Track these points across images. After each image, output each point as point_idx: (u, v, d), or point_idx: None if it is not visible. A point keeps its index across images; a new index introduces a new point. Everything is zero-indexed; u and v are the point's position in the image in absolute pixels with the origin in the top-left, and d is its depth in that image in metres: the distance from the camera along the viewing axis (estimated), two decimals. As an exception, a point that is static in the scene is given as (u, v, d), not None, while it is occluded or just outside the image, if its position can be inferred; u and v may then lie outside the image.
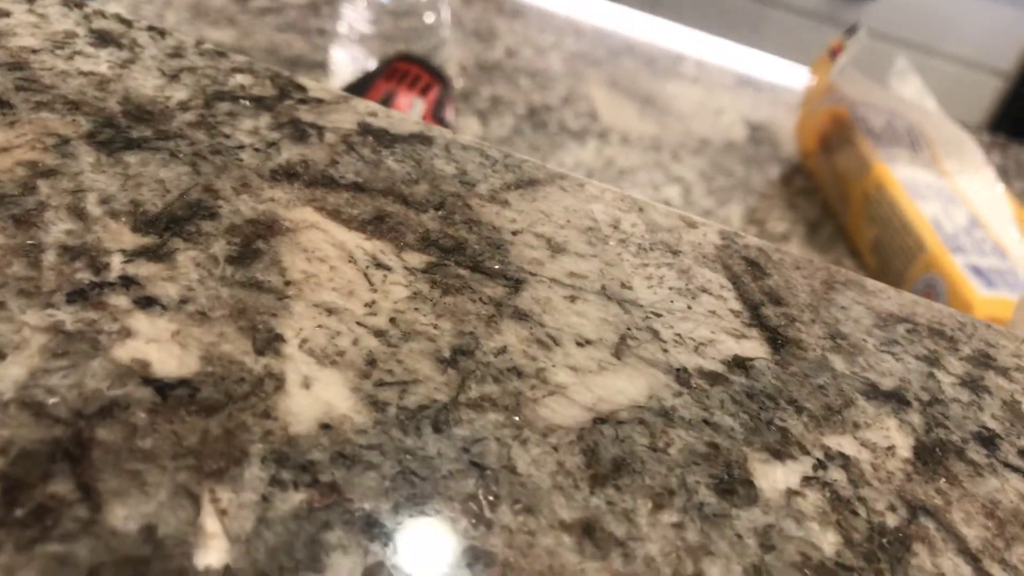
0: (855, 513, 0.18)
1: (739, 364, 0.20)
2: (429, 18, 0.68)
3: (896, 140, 0.63)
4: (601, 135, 0.68)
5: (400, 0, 0.66)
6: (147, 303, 0.18)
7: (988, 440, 0.20)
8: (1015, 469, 0.19)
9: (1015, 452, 0.20)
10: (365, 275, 0.20)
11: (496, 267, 0.21)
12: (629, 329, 0.20)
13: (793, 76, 0.84)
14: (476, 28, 0.78)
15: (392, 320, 0.19)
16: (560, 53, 0.78)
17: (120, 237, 0.20)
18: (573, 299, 0.21)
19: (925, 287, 0.56)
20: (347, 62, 0.66)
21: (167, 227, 0.20)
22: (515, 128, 0.67)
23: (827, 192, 0.66)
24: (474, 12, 0.82)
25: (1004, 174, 0.73)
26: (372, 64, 0.60)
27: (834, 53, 0.64)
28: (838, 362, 0.21)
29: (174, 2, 0.73)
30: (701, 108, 0.75)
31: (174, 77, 0.26)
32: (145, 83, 0.25)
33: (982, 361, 0.22)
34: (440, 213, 0.23)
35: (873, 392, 0.20)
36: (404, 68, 0.56)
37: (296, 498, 0.16)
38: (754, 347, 0.21)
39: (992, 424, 0.20)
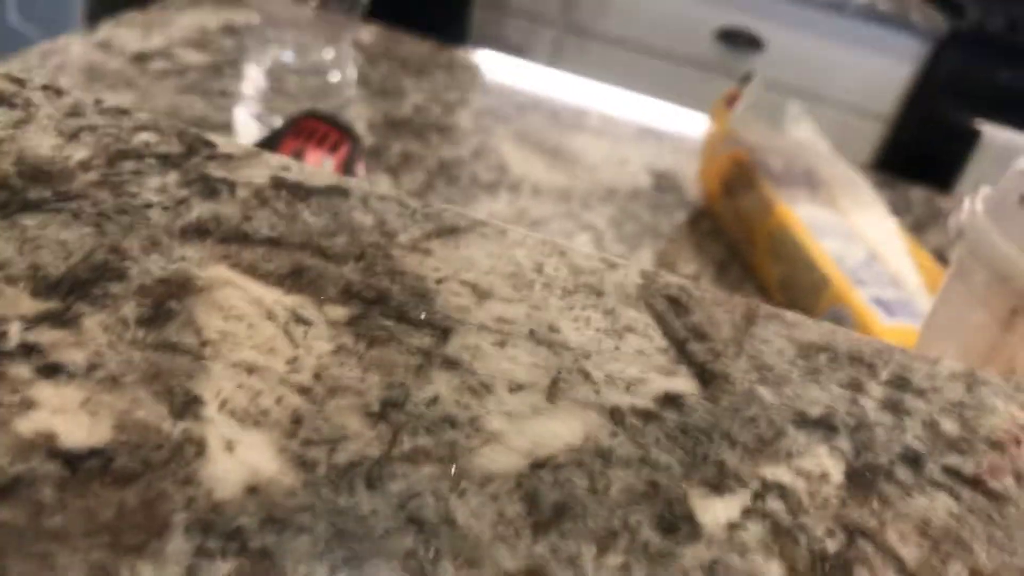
0: (796, 541, 0.18)
1: (670, 401, 0.20)
2: (335, 77, 0.68)
3: (795, 181, 0.66)
4: (512, 187, 0.69)
5: (305, 59, 0.66)
6: (51, 371, 0.17)
7: (913, 460, 0.20)
8: (941, 487, 0.20)
9: (939, 470, 0.20)
10: (286, 331, 0.20)
11: (422, 316, 0.21)
12: (560, 372, 0.20)
13: (692, 124, 0.87)
14: (383, 86, 0.79)
15: (317, 376, 0.19)
16: (468, 109, 0.79)
17: (19, 303, 0.19)
18: (502, 344, 0.21)
19: (833, 320, 0.58)
20: (252, 122, 0.65)
21: (71, 291, 0.19)
22: (427, 183, 0.67)
23: (733, 234, 0.68)
24: (380, 70, 0.82)
25: (893, 210, 0.77)
26: (278, 123, 0.59)
27: (731, 100, 0.66)
28: (766, 393, 0.21)
29: (67, 66, 0.71)
30: (607, 158, 0.77)
31: (73, 136, 0.25)
32: (41, 143, 0.24)
33: (900, 384, 0.23)
34: (361, 265, 0.22)
35: (802, 421, 0.21)
36: (312, 126, 0.56)
37: (225, 568, 0.15)
38: (683, 383, 0.21)
39: (916, 444, 0.21)
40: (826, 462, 0.20)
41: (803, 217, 0.63)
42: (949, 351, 0.37)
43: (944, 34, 1.72)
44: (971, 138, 1.74)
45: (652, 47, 1.84)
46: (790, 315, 0.24)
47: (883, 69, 1.78)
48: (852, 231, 0.63)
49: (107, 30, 0.76)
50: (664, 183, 0.76)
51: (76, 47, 0.73)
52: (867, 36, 1.75)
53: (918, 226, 0.81)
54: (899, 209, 0.81)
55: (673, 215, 0.71)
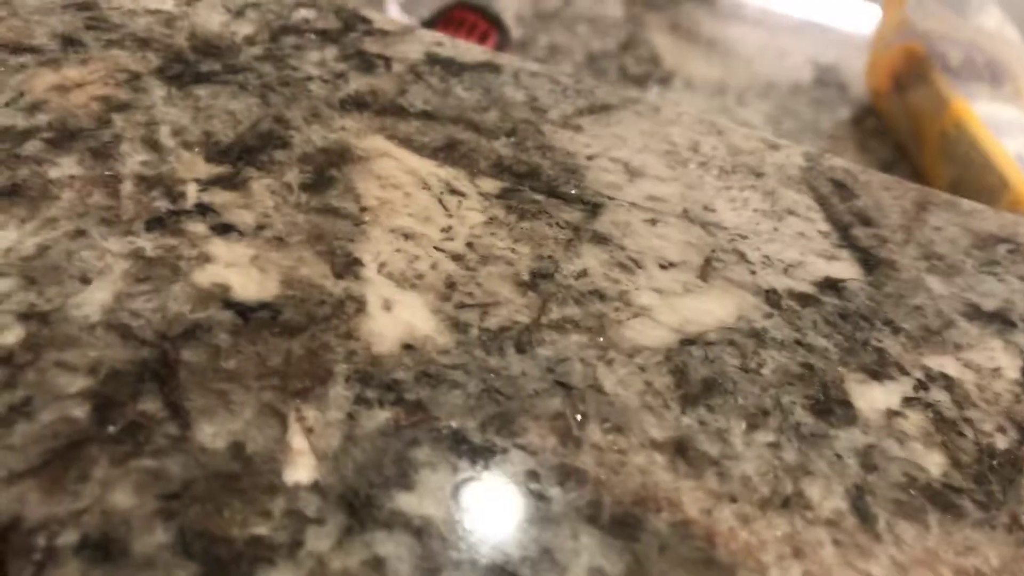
0: (961, 434, 0.17)
1: (831, 285, 0.19)
2: (484, -34, 0.67)
3: (976, 75, 0.60)
4: (663, 81, 0.66)
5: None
6: (224, 230, 0.18)
7: (1102, 361, 0.19)
8: None
9: None
10: (440, 201, 0.20)
11: (572, 192, 0.21)
12: (714, 251, 0.20)
13: (860, 16, 0.80)
14: (531, -24, 0.77)
15: (469, 244, 0.19)
16: (618, -1, 0.76)
17: (194, 167, 0.20)
18: (654, 222, 0.20)
19: (1008, 227, 0.54)
20: (402, 14, 0.65)
21: (240, 156, 0.20)
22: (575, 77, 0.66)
23: (901, 133, 0.63)
24: (529, -40, 0.80)
25: (1091, 110, 0.69)
26: (429, 13, 0.59)
27: (908, -15, 0.61)
28: (935, 283, 0.20)
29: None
30: (766, 50, 0.72)
31: (239, 13, 0.25)
32: (211, 19, 0.25)
33: (1092, 281, 0.21)
34: (512, 139, 0.22)
35: (975, 313, 0.19)
36: (461, 16, 0.55)
37: (382, 416, 0.15)
38: (845, 268, 0.20)
39: (1105, 344, 0.19)
40: (1000, 356, 0.18)
41: (983, 114, 0.57)
42: None
43: None
44: None
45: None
46: (967, 203, 0.23)
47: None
48: (1039, 130, 0.57)
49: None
50: (827, 78, 0.71)
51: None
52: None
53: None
54: (1097, 109, 0.73)
55: (836, 112, 0.67)
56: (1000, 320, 0.19)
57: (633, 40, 0.69)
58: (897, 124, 0.63)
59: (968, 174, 0.57)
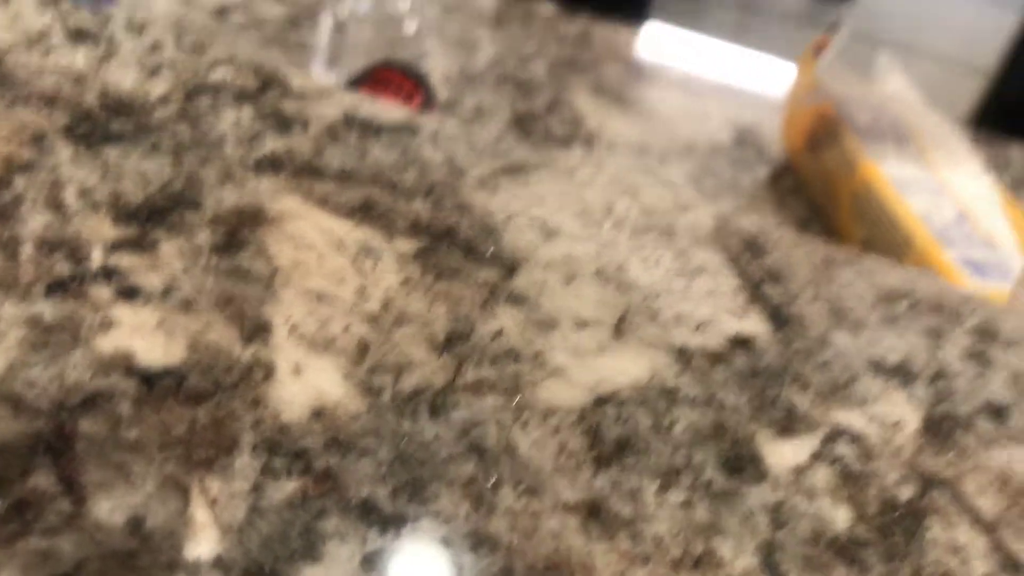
0: (866, 488, 0.17)
1: (741, 342, 0.20)
2: (410, 28, 0.68)
3: (882, 135, 0.63)
4: (587, 141, 0.68)
5: (381, 11, 0.66)
6: (130, 294, 0.18)
7: (996, 412, 0.19)
8: (1026, 440, 0.19)
9: (1025, 423, 0.19)
10: (355, 262, 0.20)
11: (489, 251, 0.21)
12: (628, 310, 0.20)
13: (776, 77, 0.84)
14: (459, 37, 0.78)
15: (384, 306, 0.19)
16: (544, 61, 0.78)
17: (101, 229, 0.19)
18: (570, 282, 0.20)
19: (917, 280, 0.56)
20: (328, 73, 0.65)
21: (149, 218, 0.20)
22: (500, 136, 0.67)
23: (815, 191, 0.66)
24: (457, 20, 0.81)
25: (990, 168, 0.73)
26: (355, 74, 0.60)
27: (818, 50, 0.64)
28: (842, 338, 0.20)
29: (151, 20, 0.73)
30: (686, 111, 0.75)
31: (153, 72, 0.25)
32: (124, 78, 0.24)
33: (986, 334, 0.22)
34: (430, 200, 0.22)
35: (879, 367, 0.20)
36: (387, 75, 0.56)
37: (289, 486, 0.15)
38: (756, 325, 0.20)
39: (1000, 396, 0.20)
40: (902, 410, 0.19)
41: (889, 174, 0.60)
42: (1042, 310, 0.35)
43: (1053, -16, 1.61)
44: (1078, 95, 1.64)
45: None
46: (871, 260, 0.23)
47: (984, 19, 1.69)
48: (942, 187, 0.60)
49: (191, -18, 0.77)
50: (745, 138, 0.73)
51: (161, 2, 0.75)
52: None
53: (1017, 185, 0.77)
54: (997, 167, 0.77)
55: (754, 171, 0.69)
56: (902, 373, 0.20)
57: (558, 101, 0.71)
58: (812, 183, 0.66)
59: (878, 232, 0.59)
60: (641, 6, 1.37)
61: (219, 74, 0.25)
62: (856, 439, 0.18)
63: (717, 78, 0.81)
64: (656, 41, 0.86)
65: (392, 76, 0.57)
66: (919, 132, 0.63)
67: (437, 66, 0.72)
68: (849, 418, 0.19)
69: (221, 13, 0.75)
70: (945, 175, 0.61)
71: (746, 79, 0.83)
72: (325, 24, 0.66)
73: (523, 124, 0.68)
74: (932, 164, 0.62)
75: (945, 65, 1.73)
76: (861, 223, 0.61)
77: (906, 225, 0.57)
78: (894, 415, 0.19)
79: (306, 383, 0.17)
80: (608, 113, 0.71)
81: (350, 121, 0.25)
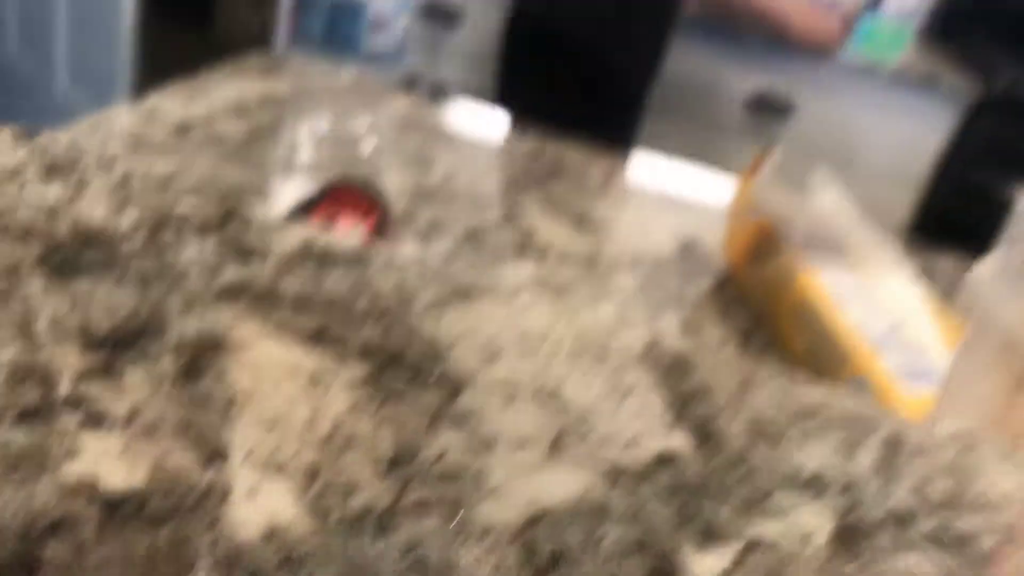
0: (781, 595, 0.19)
1: (666, 459, 0.21)
2: (368, 146, 0.71)
3: (819, 248, 0.67)
4: (539, 253, 0.70)
5: (340, 129, 0.69)
6: (96, 421, 0.19)
7: (901, 520, 0.21)
8: (928, 546, 0.21)
9: (927, 530, 0.21)
10: (307, 388, 0.21)
11: (434, 375, 0.22)
12: (562, 430, 0.22)
13: (719, 191, 0.88)
14: (414, 154, 0.81)
15: (334, 430, 0.20)
16: (497, 176, 0.81)
17: (69, 357, 0.20)
18: (509, 403, 0.22)
19: (855, 389, 0.58)
20: (287, 189, 0.68)
21: (115, 346, 0.21)
22: (454, 249, 0.69)
23: (758, 302, 0.69)
24: (412, 139, 0.85)
25: (921, 277, 0.77)
26: (312, 190, 0.62)
27: (755, 167, 0.68)
28: (760, 453, 0.22)
29: (114, 136, 0.75)
30: (633, 225, 0.78)
31: (122, 205, 0.27)
32: (94, 212, 0.26)
33: (893, 446, 0.24)
34: (380, 326, 0.24)
35: (794, 480, 0.22)
36: (345, 193, 0.58)
37: (241, 604, 0.16)
38: (680, 442, 0.22)
39: (905, 505, 0.22)
40: (814, 520, 0.21)
41: (827, 285, 0.63)
42: (963, 419, 0.37)
43: (976, 100, 1.72)
44: (1005, 204, 1.74)
45: (682, 112, 1.87)
46: (789, 377, 0.25)
47: (915, 135, 1.79)
48: (877, 298, 0.64)
49: (153, 100, 0.80)
50: (690, 250, 0.77)
51: (123, 117, 0.78)
52: (899, 101, 1.76)
53: (947, 293, 0.81)
54: (928, 276, 0.81)
55: (698, 283, 0.72)
56: (815, 485, 0.22)
57: (510, 215, 0.74)
58: (754, 294, 0.69)
59: (818, 341, 0.62)
60: (628, 137, 1.45)
61: (184, 207, 0.27)
62: (771, 549, 0.20)
63: (662, 193, 0.85)
64: (604, 158, 0.90)
65: (349, 194, 0.60)
66: (854, 245, 0.67)
67: (393, 182, 0.75)
68: (765, 529, 0.20)
69: (182, 130, 0.78)
70: (879, 286, 0.65)
71: (690, 194, 0.87)
72: (286, 142, 0.69)
73: (477, 237, 0.71)
74: (867, 276, 0.66)
75: (880, 178, 1.82)
76: (802, 332, 0.64)
77: (844, 334, 0.60)
78: (807, 525, 0.21)
79: (260, 505, 0.18)
80: (559, 227, 0.74)
81: (307, 251, 0.26)
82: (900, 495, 0.22)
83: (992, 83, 1.74)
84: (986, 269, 0.37)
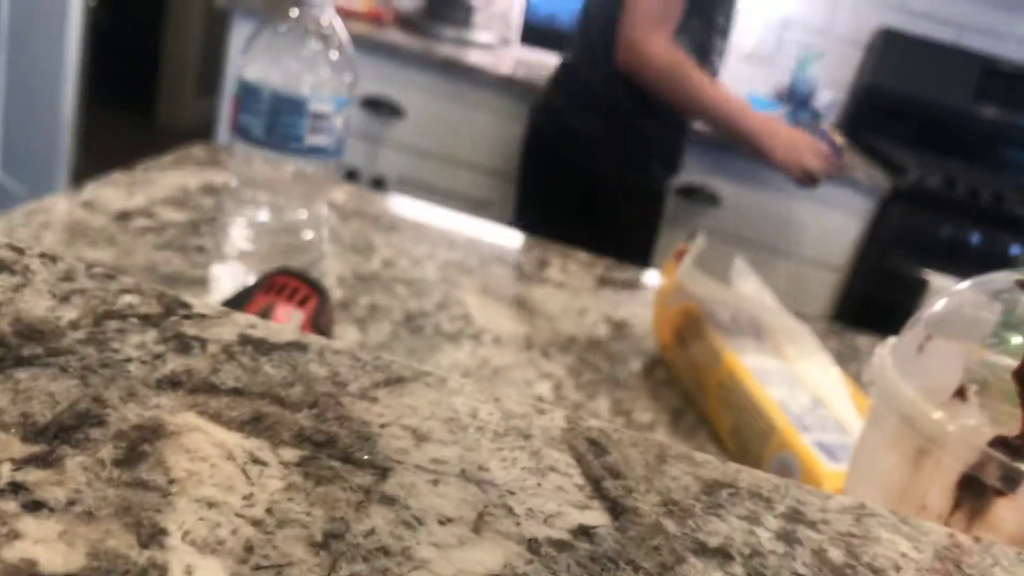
0: (688, 657, 0.20)
1: (583, 532, 0.23)
2: (307, 235, 0.73)
3: (742, 331, 0.70)
4: (475, 337, 0.72)
5: (279, 219, 0.71)
6: (35, 507, 0.20)
7: (801, 585, 0.23)
8: (825, 609, 0.22)
9: (824, 594, 0.23)
10: (243, 471, 0.22)
11: (365, 457, 0.24)
12: (486, 507, 0.23)
13: (647, 279, 0.92)
14: (354, 242, 0.83)
15: (268, 510, 0.21)
16: (435, 263, 0.84)
17: (10, 448, 0.21)
18: (436, 482, 0.23)
19: (780, 465, 0.61)
20: (227, 278, 0.69)
21: (56, 436, 0.22)
22: (393, 334, 0.71)
23: (686, 382, 0.72)
24: (352, 227, 0.87)
25: (840, 358, 0.81)
26: (251, 279, 0.63)
27: (679, 256, 0.71)
28: (670, 525, 0.24)
29: (51, 224, 0.76)
30: (567, 309, 0.81)
31: (65, 299, 0.28)
32: (36, 305, 0.27)
33: (794, 517, 0.26)
34: (314, 411, 0.25)
35: (702, 550, 0.23)
36: (282, 282, 0.59)
37: None
38: (596, 516, 0.23)
39: (803, 571, 0.23)
40: (720, 587, 0.22)
41: (750, 366, 0.67)
42: (869, 491, 0.39)
43: (887, 192, 1.83)
44: (919, 287, 1.83)
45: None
46: (698, 455, 0.27)
47: (836, 223, 1.89)
48: (797, 378, 0.67)
49: (92, 190, 0.81)
50: (621, 333, 0.80)
51: (61, 206, 0.78)
52: (818, 193, 1.86)
53: (864, 372, 0.85)
54: (847, 356, 0.85)
55: (630, 365, 0.75)
56: (721, 555, 0.23)
57: (447, 300, 0.76)
58: (683, 374, 0.72)
59: (743, 419, 0.64)
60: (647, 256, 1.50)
61: (125, 298, 0.28)
62: (680, 615, 0.21)
63: (593, 278, 0.88)
64: (536, 246, 0.93)
65: (288, 281, 0.61)
66: (773, 329, 0.71)
67: (333, 270, 0.77)
68: (675, 596, 0.22)
69: (123, 218, 0.79)
70: (799, 367, 0.68)
71: (619, 278, 0.91)
72: (225, 231, 0.71)
73: (415, 322, 0.72)
74: (787, 357, 0.69)
75: (802, 264, 1.91)
76: (728, 411, 0.66)
77: (768, 413, 0.63)
78: (714, 592, 0.22)
79: (195, 584, 0.19)
80: (495, 311, 0.77)
81: (244, 341, 0.28)
82: (799, 562, 0.24)
83: (900, 177, 1.85)
84: (887, 350, 0.40)
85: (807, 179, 1.47)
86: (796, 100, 2.17)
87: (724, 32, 1.48)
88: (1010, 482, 0.34)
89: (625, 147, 1.46)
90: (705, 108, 1.39)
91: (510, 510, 0.23)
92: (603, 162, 1.47)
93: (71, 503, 0.20)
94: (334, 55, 0.67)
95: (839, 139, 1.64)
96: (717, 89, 1.38)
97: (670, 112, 1.44)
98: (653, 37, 1.33)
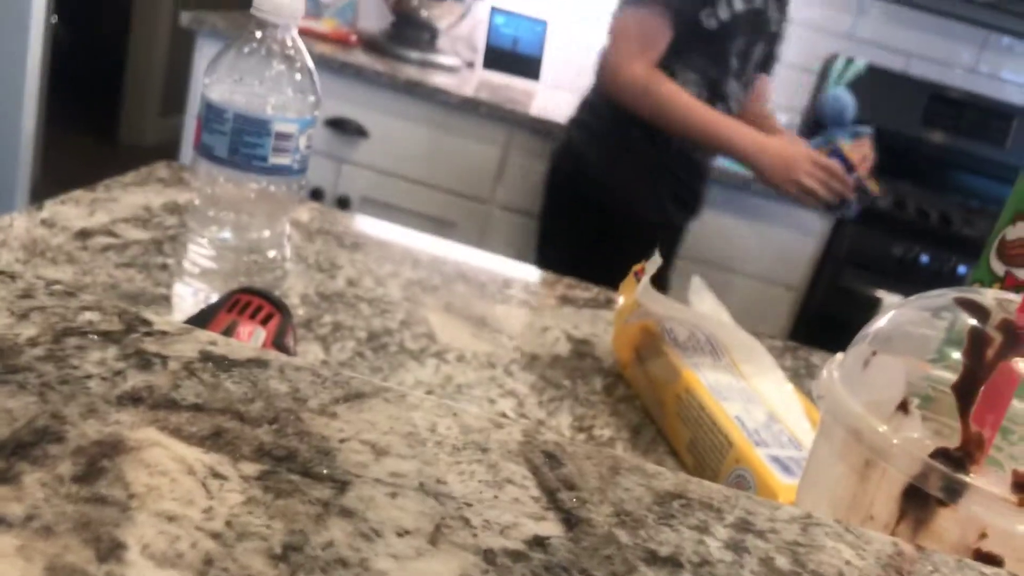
0: (638, 662, 0.21)
1: (538, 542, 0.23)
2: (271, 253, 0.73)
3: (699, 349, 0.71)
4: (439, 355, 0.72)
5: (243, 238, 0.71)
6: (-7, 522, 0.20)
7: (748, 592, 0.24)
8: (770, 615, 0.23)
9: (770, 600, 0.24)
10: (203, 485, 0.23)
11: (324, 471, 0.24)
12: (443, 519, 0.23)
13: (607, 297, 0.93)
14: (318, 260, 0.83)
15: (228, 523, 0.22)
16: (398, 281, 0.84)
17: (-33, 463, 0.21)
18: (394, 495, 0.24)
19: (736, 479, 0.62)
20: (189, 296, 0.69)
21: (14, 452, 0.22)
22: (356, 351, 0.71)
23: (645, 398, 0.73)
24: (316, 246, 0.87)
25: (796, 375, 0.82)
26: (214, 297, 0.63)
27: (637, 275, 0.73)
28: (623, 535, 0.25)
29: (9, 241, 0.75)
30: (529, 327, 0.82)
31: (23, 316, 0.28)
32: (-4, 323, 0.27)
33: (743, 526, 0.26)
34: (274, 427, 0.25)
35: (652, 559, 0.24)
36: (245, 300, 0.59)
37: None
38: (551, 527, 0.24)
39: (751, 578, 0.24)
40: (670, 594, 0.23)
41: (707, 382, 0.68)
42: (819, 502, 0.41)
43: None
44: (872, 305, 1.87)
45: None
46: (651, 467, 0.28)
47: (792, 243, 1.92)
48: (753, 394, 0.68)
49: (51, 207, 0.80)
50: (582, 350, 0.81)
51: (20, 222, 0.77)
52: (775, 213, 1.89)
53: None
54: (802, 373, 0.87)
55: (591, 381, 0.75)
56: (672, 563, 0.24)
57: (411, 318, 0.76)
58: (642, 390, 0.73)
59: (700, 433, 0.65)
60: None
61: (86, 317, 0.29)
62: (631, 621, 0.22)
63: (555, 297, 0.89)
64: (503, 264, 0.94)
65: (251, 299, 0.61)
66: (729, 345, 0.72)
67: (296, 288, 0.77)
68: (626, 603, 0.22)
69: (83, 236, 0.78)
70: (754, 383, 0.69)
71: (580, 297, 0.92)
72: (188, 250, 0.70)
73: (378, 340, 0.72)
74: (743, 374, 0.70)
75: (759, 283, 1.94)
76: (686, 426, 0.67)
77: (725, 428, 0.64)
78: (664, 599, 0.23)
79: (154, 597, 0.19)
80: (458, 329, 0.77)
81: (206, 357, 0.28)
82: (747, 570, 0.25)
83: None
84: (835, 365, 0.41)
85: (805, 195, 1.39)
86: (830, 118, 2.09)
87: (740, 76, 1.47)
88: (952, 493, 0.35)
89: (635, 181, 1.46)
90: (688, 124, 1.37)
91: (467, 522, 0.24)
92: (614, 197, 1.47)
93: (29, 518, 0.20)
94: (298, 76, 0.67)
95: (867, 154, 1.51)
96: (701, 106, 1.38)
97: (680, 145, 1.44)
98: (632, 62, 1.34)
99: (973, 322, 0.39)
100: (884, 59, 2.33)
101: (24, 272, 0.30)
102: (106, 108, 3.78)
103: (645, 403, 0.73)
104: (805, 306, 1.94)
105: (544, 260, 1.38)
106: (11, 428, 0.23)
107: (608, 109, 1.45)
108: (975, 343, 0.38)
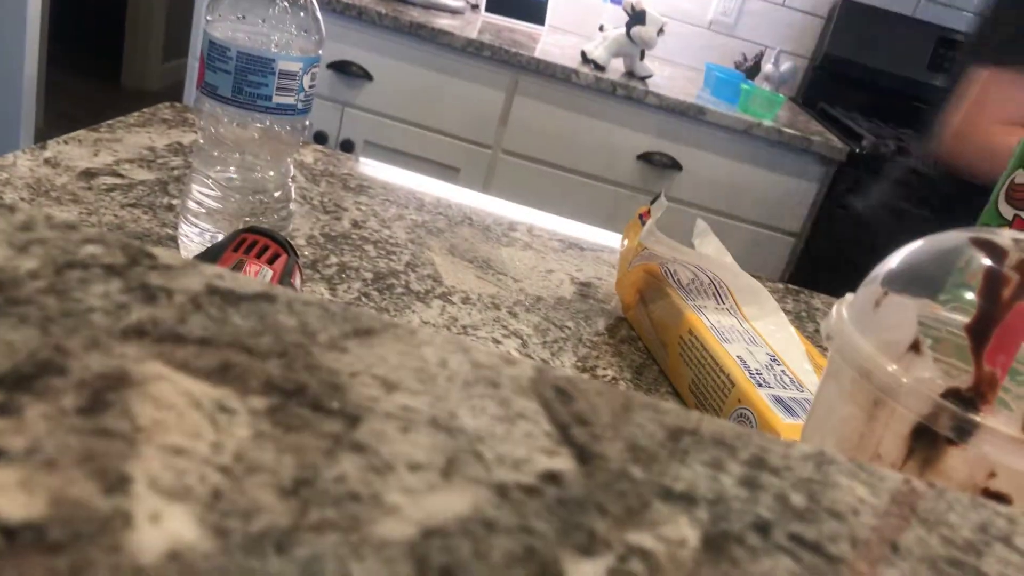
0: (653, 596, 0.20)
1: (551, 477, 0.23)
2: (276, 193, 0.72)
3: (702, 291, 0.71)
4: (444, 296, 0.72)
5: (248, 178, 0.70)
6: (-4, 454, 0.19)
7: (763, 528, 0.24)
8: (785, 550, 0.23)
9: (784, 536, 0.24)
10: (211, 419, 0.22)
11: (335, 406, 0.24)
12: (456, 453, 0.23)
13: (612, 239, 0.92)
14: (323, 202, 0.83)
15: (237, 457, 0.21)
16: (404, 224, 0.83)
17: (-31, 395, 0.21)
18: (406, 430, 0.24)
19: (738, 419, 0.62)
20: (195, 236, 0.68)
21: (16, 385, 0.22)
22: (362, 291, 0.71)
23: (648, 340, 0.72)
24: (321, 188, 0.86)
25: (797, 317, 0.82)
26: (220, 237, 0.63)
27: (642, 218, 0.72)
28: (636, 471, 0.24)
29: (12, 181, 0.74)
30: (533, 269, 0.81)
31: (23, 249, 0.27)
32: (-5, 255, 0.26)
33: (756, 463, 0.26)
34: (282, 361, 0.25)
35: (667, 494, 0.24)
36: (252, 239, 0.59)
37: (145, 620, 0.17)
38: (564, 462, 0.24)
39: (765, 515, 0.24)
40: (685, 530, 0.23)
41: (710, 324, 0.67)
42: (826, 441, 0.40)
43: (843, 158, 1.85)
44: (876, 249, 1.87)
45: (581, 169, 1.94)
46: (663, 404, 0.28)
47: (792, 188, 1.91)
48: (755, 336, 0.68)
49: (55, 147, 0.79)
50: (586, 292, 0.80)
51: (23, 162, 0.76)
52: (775, 159, 1.87)
53: (819, 330, 0.86)
54: (803, 316, 0.87)
55: (594, 323, 0.75)
56: (686, 499, 0.24)
57: (416, 260, 0.76)
58: (645, 332, 0.72)
59: (703, 373, 0.65)
60: None
61: (89, 250, 0.28)
62: (646, 556, 0.22)
63: (559, 240, 0.88)
64: (506, 208, 0.93)
65: (257, 238, 0.60)
66: (732, 288, 0.72)
67: (302, 229, 0.76)
68: (641, 538, 0.22)
69: (87, 175, 0.77)
70: (757, 325, 0.69)
71: (585, 240, 0.91)
72: (194, 190, 0.69)
73: (384, 281, 0.72)
74: (745, 316, 0.70)
75: (760, 228, 1.93)
76: (688, 366, 0.67)
77: (727, 368, 0.64)
78: (678, 534, 0.23)
79: (163, 529, 0.19)
80: (462, 271, 0.77)
81: (212, 291, 0.27)
82: (762, 507, 0.24)
83: (857, 143, 1.87)
84: (844, 305, 0.41)
85: None
86: None
87: None
88: (962, 432, 0.35)
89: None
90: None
91: (480, 456, 0.23)
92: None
93: (31, 451, 0.20)
94: (301, 14, 0.66)
95: None
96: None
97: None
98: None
99: (989, 262, 0.38)
100: (892, 4, 2.28)
101: (22, 204, 0.29)
102: (109, 52, 3.72)
103: (648, 345, 0.73)
104: (805, 251, 1.93)
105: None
106: (12, 360, 0.22)
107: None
108: (990, 283, 0.37)
